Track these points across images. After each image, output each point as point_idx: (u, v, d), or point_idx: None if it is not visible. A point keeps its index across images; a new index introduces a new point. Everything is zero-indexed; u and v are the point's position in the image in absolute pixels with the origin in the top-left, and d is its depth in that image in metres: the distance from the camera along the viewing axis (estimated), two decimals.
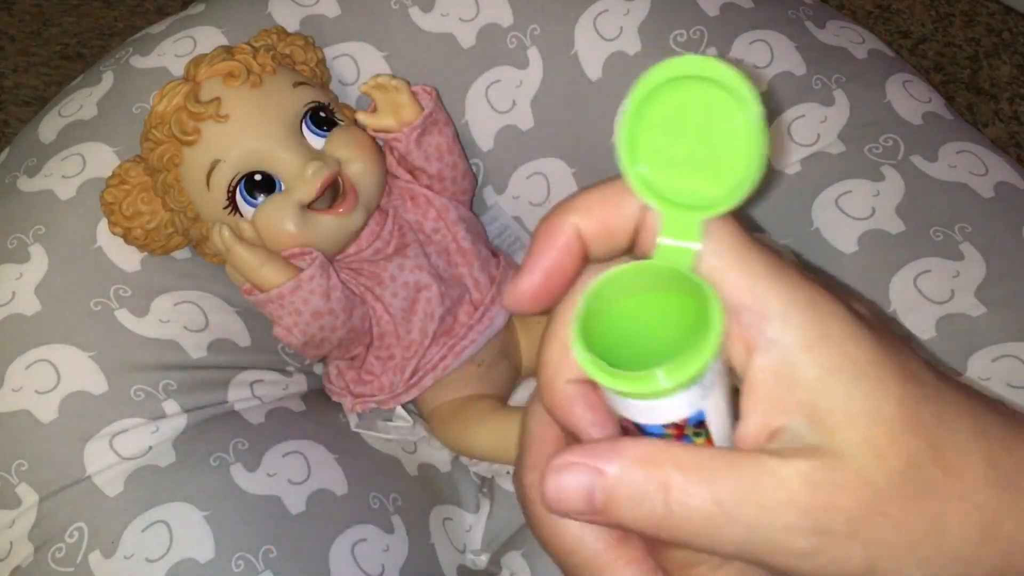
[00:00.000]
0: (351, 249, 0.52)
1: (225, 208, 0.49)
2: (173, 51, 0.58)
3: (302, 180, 0.48)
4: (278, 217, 0.48)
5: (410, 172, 0.54)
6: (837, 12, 0.65)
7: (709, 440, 0.21)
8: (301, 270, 0.48)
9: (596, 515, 0.20)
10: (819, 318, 0.20)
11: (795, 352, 0.20)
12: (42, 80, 1.02)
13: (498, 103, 0.59)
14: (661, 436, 0.21)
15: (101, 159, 0.54)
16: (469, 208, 0.57)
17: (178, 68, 0.57)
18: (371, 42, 0.59)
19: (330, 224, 0.49)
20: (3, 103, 1.00)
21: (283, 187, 0.49)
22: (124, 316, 0.51)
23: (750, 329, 0.20)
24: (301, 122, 0.50)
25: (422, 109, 0.52)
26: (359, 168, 0.50)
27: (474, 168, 0.60)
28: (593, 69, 0.59)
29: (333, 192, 0.49)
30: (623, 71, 0.59)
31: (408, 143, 0.52)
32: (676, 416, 0.20)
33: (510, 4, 0.59)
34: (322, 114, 0.51)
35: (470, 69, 0.59)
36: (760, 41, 0.59)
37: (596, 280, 0.20)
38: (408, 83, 0.52)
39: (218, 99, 0.48)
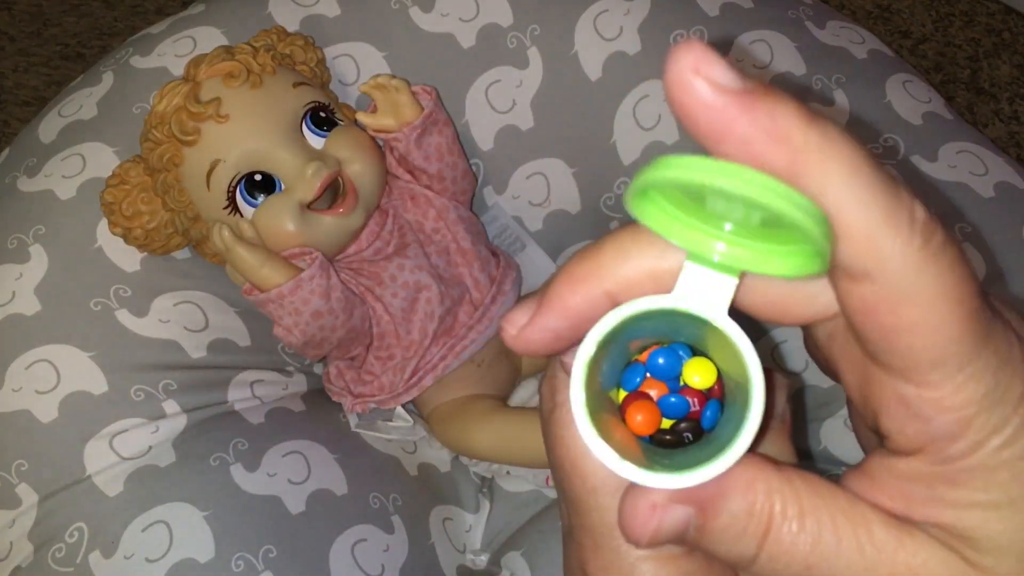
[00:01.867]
0: (351, 249, 0.52)
1: (225, 208, 0.49)
2: (173, 51, 0.58)
3: (302, 180, 0.48)
4: (278, 217, 0.48)
5: (410, 172, 0.54)
6: (837, 12, 0.65)
7: None
8: (301, 270, 0.48)
9: (679, 544, 0.19)
10: (1016, 442, 0.17)
11: (968, 474, 0.17)
12: (42, 80, 1.02)
13: (498, 103, 0.59)
14: None
15: (101, 159, 0.54)
16: (469, 208, 0.57)
17: (178, 68, 0.57)
18: (371, 42, 0.59)
19: (330, 224, 0.49)
20: (3, 103, 1.00)
21: (283, 187, 0.49)
22: (124, 316, 0.51)
23: (932, 437, 0.17)
24: (301, 122, 0.50)
25: (422, 109, 0.52)
26: (359, 168, 0.50)
27: (474, 168, 0.60)
28: (593, 69, 0.59)
29: (333, 192, 0.49)
30: (623, 71, 0.59)
31: (408, 143, 0.52)
32: None
33: (510, 4, 0.59)
34: (322, 114, 0.51)
35: (470, 69, 0.59)
36: (760, 41, 0.59)
37: (591, 341, 0.17)
38: (408, 83, 0.52)
39: (218, 99, 0.48)
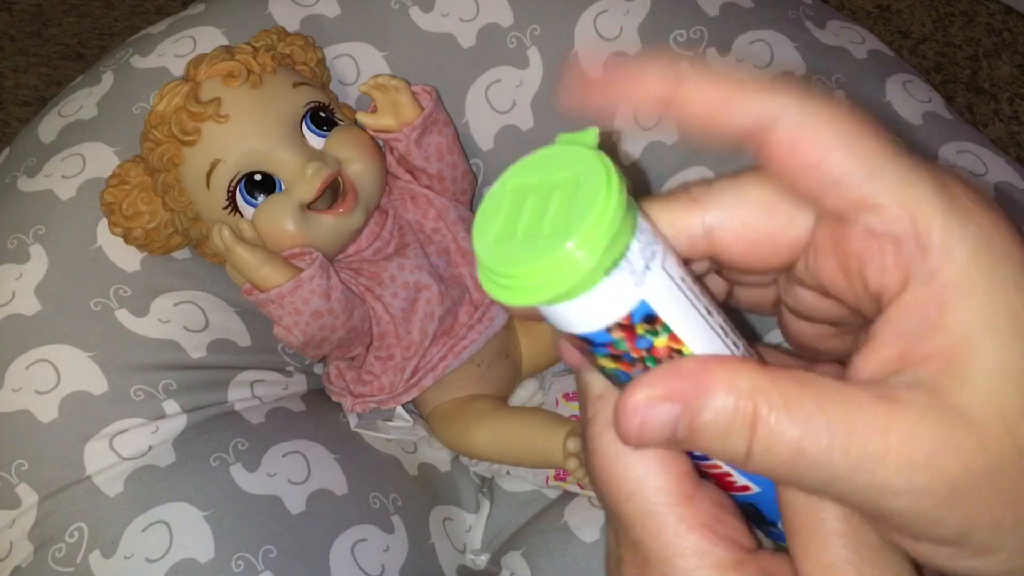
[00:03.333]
0: (351, 249, 0.52)
1: (225, 208, 0.49)
2: (173, 51, 0.58)
3: (302, 180, 0.48)
4: (278, 217, 0.48)
5: (410, 172, 0.54)
6: (837, 12, 0.65)
7: (674, 338, 0.19)
8: (301, 270, 0.48)
9: (677, 446, 0.19)
10: (987, 256, 0.18)
11: (951, 291, 0.18)
12: (42, 80, 1.02)
13: (498, 103, 0.59)
14: (611, 344, 0.19)
15: (101, 159, 0.54)
16: (469, 208, 0.57)
17: (178, 68, 0.57)
18: (371, 42, 0.59)
19: (330, 224, 0.49)
20: (3, 103, 1.00)
21: (283, 187, 0.49)
22: (124, 316, 0.51)
23: (909, 259, 0.18)
24: (301, 122, 0.50)
25: (422, 109, 0.52)
26: (359, 168, 0.50)
27: (474, 168, 0.60)
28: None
29: (333, 192, 0.49)
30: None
31: (408, 143, 0.52)
32: (615, 314, 0.18)
33: (510, 4, 0.59)
34: (322, 114, 0.51)
35: (470, 69, 0.59)
36: (760, 41, 0.59)
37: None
38: (408, 83, 0.52)
39: (218, 99, 0.48)
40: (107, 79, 0.58)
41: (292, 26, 0.58)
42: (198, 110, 0.48)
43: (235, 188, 0.48)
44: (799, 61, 0.58)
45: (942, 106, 0.59)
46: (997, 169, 0.56)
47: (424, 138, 0.52)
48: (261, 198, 0.49)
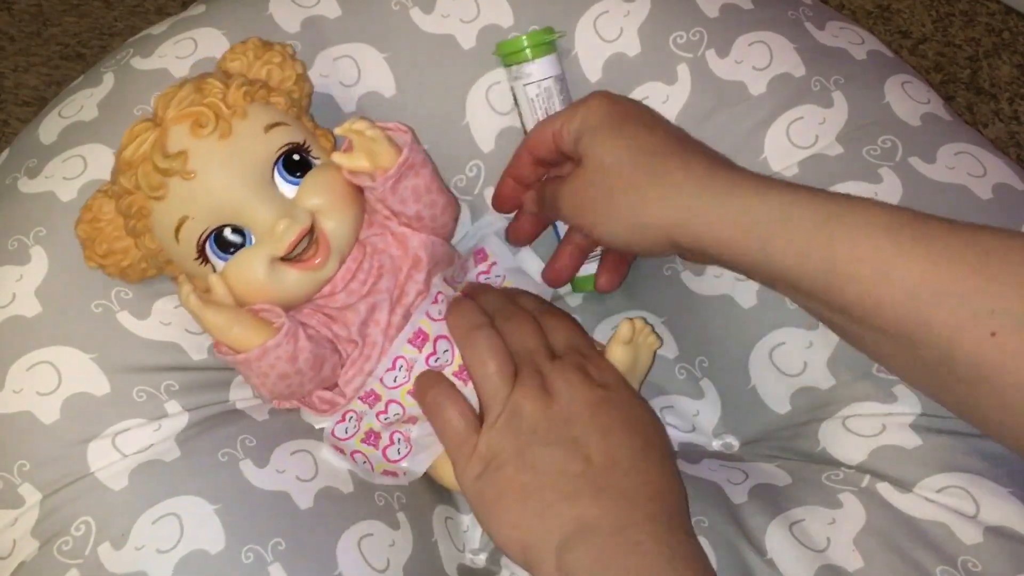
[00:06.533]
0: (326, 290, 0.50)
1: (196, 259, 0.48)
2: (174, 52, 0.58)
3: (272, 237, 0.47)
4: (249, 271, 0.47)
5: (389, 210, 0.52)
6: (837, 12, 0.65)
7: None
8: (272, 325, 0.47)
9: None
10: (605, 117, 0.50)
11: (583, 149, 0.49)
12: (42, 80, 1.02)
13: (499, 104, 0.59)
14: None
15: (102, 161, 0.54)
16: (448, 239, 0.55)
17: (178, 70, 0.57)
18: (372, 43, 0.59)
19: (302, 278, 0.48)
20: (3, 103, 1.00)
21: (254, 240, 0.48)
22: (125, 318, 0.51)
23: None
24: (273, 168, 0.48)
25: (399, 152, 0.49)
26: (332, 224, 0.49)
27: (474, 169, 0.60)
28: (593, 70, 0.59)
29: (307, 239, 0.48)
30: (623, 72, 0.59)
31: (384, 191, 0.50)
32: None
33: (510, 5, 0.60)
34: (295, 157, 0.49)
35: (471, 70, 0.59)
36: (759, 42, 0.59)
37: None
38: (384, 132, 0.50)
39: (184, 153, 0.46)
40: (108, 80, 0.58)
41: (292, 27, 0.58)
42: (165, 165, 0.46)
43: (204, 242, 0.47)
44: (798, 62, 0.58)
45: (941, 107, 0.60)
46: (997, 170, 0.56)
47: (399, 184, 0.50)
48: (232, 251, 0.48)
